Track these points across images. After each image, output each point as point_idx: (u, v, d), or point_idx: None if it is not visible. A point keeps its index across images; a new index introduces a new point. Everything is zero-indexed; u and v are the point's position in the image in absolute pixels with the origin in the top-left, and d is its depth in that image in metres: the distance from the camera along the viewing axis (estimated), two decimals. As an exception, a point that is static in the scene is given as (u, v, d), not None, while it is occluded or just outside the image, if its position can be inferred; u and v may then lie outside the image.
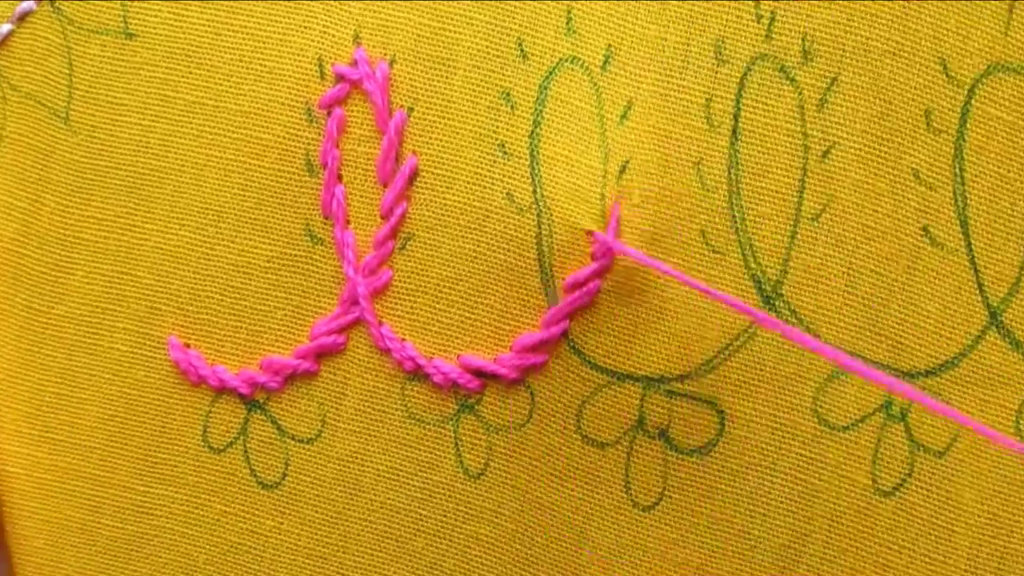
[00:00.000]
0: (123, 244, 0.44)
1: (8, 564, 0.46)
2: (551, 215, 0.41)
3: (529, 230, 0.41)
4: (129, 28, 0.43)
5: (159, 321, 0.44)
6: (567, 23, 0.41)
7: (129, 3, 0.43)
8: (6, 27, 0.44)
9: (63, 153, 0.44)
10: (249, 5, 0.42)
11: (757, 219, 0.40)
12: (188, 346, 0.44)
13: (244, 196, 0.43)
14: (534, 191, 0.41)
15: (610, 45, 0.41)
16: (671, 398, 0.41)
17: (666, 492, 0.42)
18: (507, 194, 0.41)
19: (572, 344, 0.41)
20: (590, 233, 0.40)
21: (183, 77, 0.43)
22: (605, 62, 0.41)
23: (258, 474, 0.44)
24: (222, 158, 0.43)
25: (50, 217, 0.44)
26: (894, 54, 0.40)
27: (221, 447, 0.44)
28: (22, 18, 0.44)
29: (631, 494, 0.42)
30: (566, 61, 0.41)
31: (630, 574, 0.42)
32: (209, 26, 0.43)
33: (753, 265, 0.40)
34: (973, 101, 0.40)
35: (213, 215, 0.43)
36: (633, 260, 0.40)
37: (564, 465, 0.42)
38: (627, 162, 0.40)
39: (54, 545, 0.45)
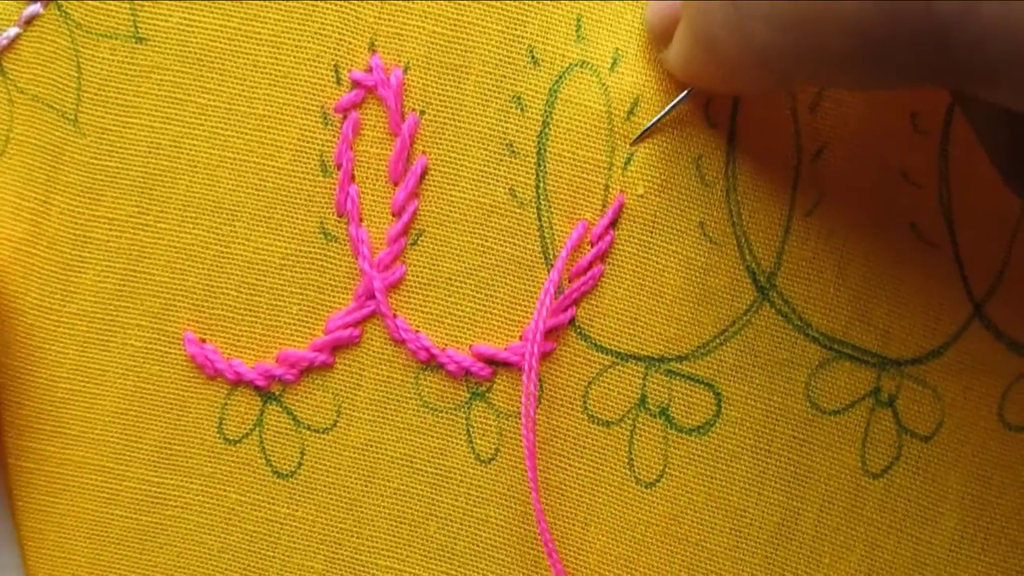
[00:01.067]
0: (136, 243, 0.44)
1: (20, 557, 0.46)
2: (551, 208, 0.42)
3: (530, 223, 0.42)
4: (139, 32, 0.44)
5: (174, 317, 0.44)
6: (577, 30, 0.42)
7: (138, 8, 0.44)
8: (13, 30, 0.44)
9: (72, 155, 0.44)
10: (263, 12, 0.43)
11: (753, 213, 0.42)
12: (204, 341, 0.44)
13: (258, 195, 0.44)
14: (536, 186, 0.42)
15: (617, 49, 0.42)
16: (671, 378, 0.43)
17: (667, 470, 0.43)
18: (510, 190, 0.42)
19: (579, 329, 0.43)
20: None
21: (195, 80, 0.43)
22: (613, 64, 0.42)
23: (273, 464, 0.45)
24: (235, 159, 0.44)
25: (60, 217, 0.45)
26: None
27: (237, 438, 0.45)
28: (29, 21, 0.44)
29: (634, 471, 0.43)
30: (576, 66, 0.42)
31: (632, 550, 0.43)
32: (222, 31, 0.43)
33: (748, 257, 0.42)
34: (956, 103, 0.41)
35: (227, 214, 0.44)
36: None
37: (571, 445, 0.43)
38: (632, 155, 0.42)
39: (67, 538, 0.46)
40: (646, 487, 0.43)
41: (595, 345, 0.43)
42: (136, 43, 0.44)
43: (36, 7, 0.44)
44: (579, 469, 0.43)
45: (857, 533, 0.43)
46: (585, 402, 0.43)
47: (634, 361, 0.43)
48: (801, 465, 0.43)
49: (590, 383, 0.43)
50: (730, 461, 0.43)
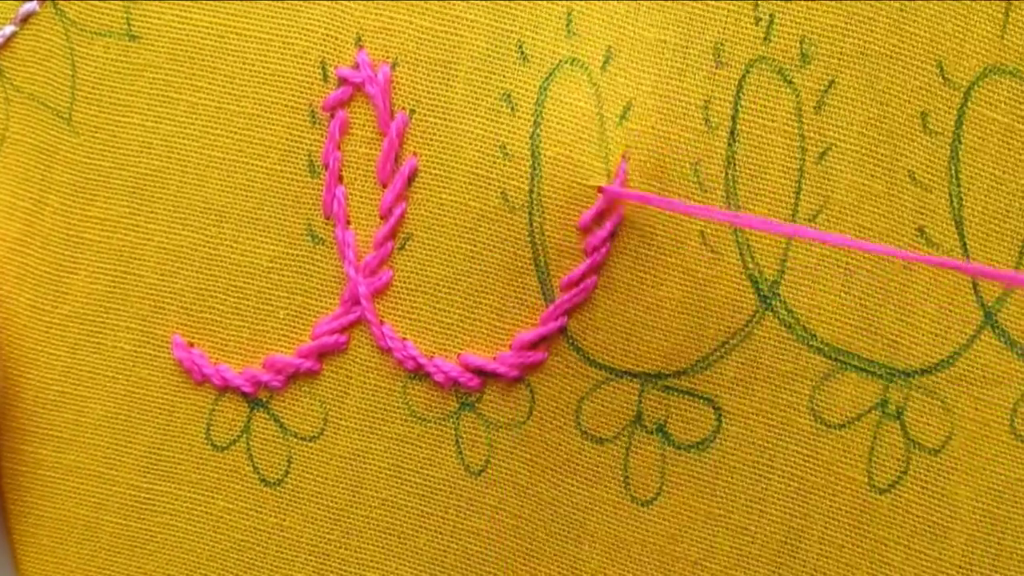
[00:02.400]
0: (126, 244, 0.44)
1: (11, 561, 0.46)
2: (543, 214, 0.41)
3: (522, 229, 0.41)
4: (132, 30, 0.44)
5: (163, 320, 0.44)
6: (567, 25, 0.41)
7: (132, 6, 0.43)
8: (9, 29, 0.44)
9: (66, 154, 0.44)
10: (252, 9, 0.43)
11: None
12: (192, 345, 0.44)
13: (247, 196, 0.43)
14: (530, 191, 0.41)
15: (610, 47, 0.41)
16: (668, 394, 0.41)
17: (664, 487, 0.42)
18: (502, 194, 0.41)
19: (571, 341, 0.42)
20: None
21: (186, 79, 0.43)
22: (605, 63, 0.41)
23: (261, 471, 0.44)
24: (225, 159, 0.43)
25: (53, 217, 0.45)
26: (891, 57, 0.40)
27: (224, 445, 0.44)
28: (25, 20, 0.44)
29: (630, 489, 0.42)
30: (566, 63, 0.41)
31: (628, 569, 0.42)
32: (212, 29, 0.43)
33: (751, 265, 0.41)
34: (969, 103, 0.40)
35: (216, 215, 0.43)
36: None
37: (564, 461, 0.42)
38: (626, 162, 0.40)
39: (58, 542, 0.45)
40: (642, 505, 0.42)
41: (588, 359, 0.41)
42: (129, 41, 0.44)
43: (32, 5, 0.44)
44: (571, 485, 0.42)
45: (863, 551, 0.41)
46: (578, 417, 0.42)
47: (629, 378, 0.41)
48: (805, 481, 0.41)
49: (583, 398, 0.42)
50: (730, 478, 0.42)
